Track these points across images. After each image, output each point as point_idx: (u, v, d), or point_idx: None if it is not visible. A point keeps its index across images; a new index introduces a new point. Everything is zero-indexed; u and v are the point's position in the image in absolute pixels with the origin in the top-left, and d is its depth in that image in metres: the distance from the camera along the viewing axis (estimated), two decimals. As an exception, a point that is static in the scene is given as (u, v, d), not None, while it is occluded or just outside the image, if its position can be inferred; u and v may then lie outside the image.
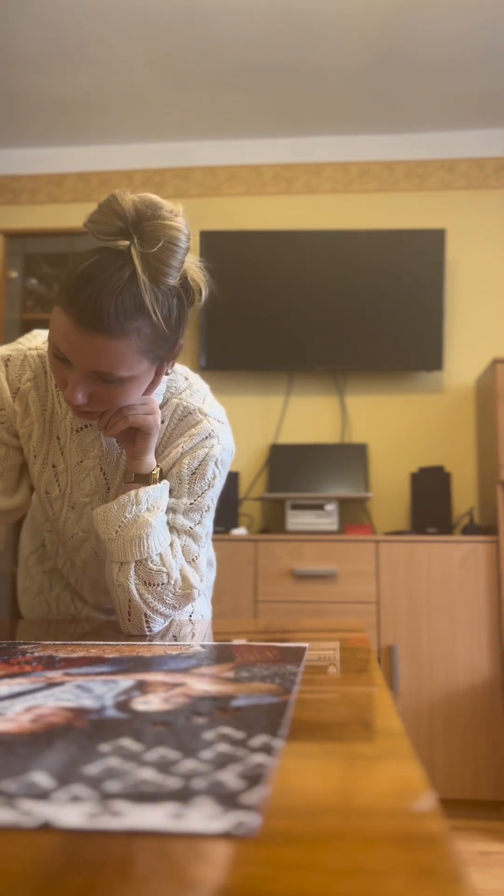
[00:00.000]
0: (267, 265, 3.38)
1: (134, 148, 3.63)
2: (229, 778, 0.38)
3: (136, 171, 3.63)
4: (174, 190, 3.58)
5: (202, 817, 0.32)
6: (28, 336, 1.19)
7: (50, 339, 0.98)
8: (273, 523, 3.32)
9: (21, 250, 3.67)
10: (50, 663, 0.74)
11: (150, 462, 1.10)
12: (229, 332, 3.36)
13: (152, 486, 1.08)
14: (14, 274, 3.64)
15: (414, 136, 3.51)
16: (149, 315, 0.94)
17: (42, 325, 3.19)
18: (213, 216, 3.52)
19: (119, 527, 1.06)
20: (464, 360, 3.39)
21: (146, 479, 1.09)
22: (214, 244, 3.35)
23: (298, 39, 2.87)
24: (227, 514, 3.05)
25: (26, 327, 3.53)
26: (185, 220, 0.95)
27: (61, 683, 0.63)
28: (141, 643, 0.93)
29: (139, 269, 0.92)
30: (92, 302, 0.91)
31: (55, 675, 0.67)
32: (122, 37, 2.86)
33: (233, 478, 3.13)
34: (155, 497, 1.08)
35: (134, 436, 1.08)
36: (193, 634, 1.05)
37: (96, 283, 0.91)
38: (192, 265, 1.00)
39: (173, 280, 0.95)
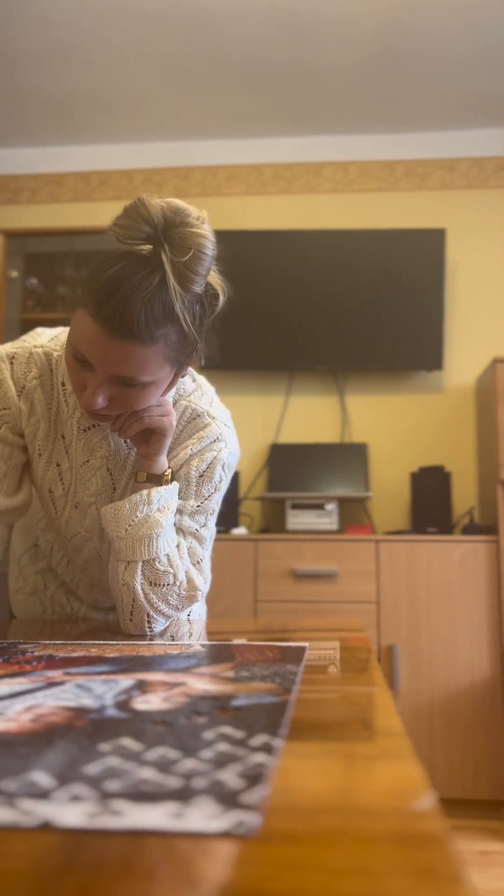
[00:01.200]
0: (267, 265, 3.38)
1: (134, 148, 3.63)
2: (229, 777, 0.38)
3: (136, 170, 3.63)
4: (174, 190, 3.58)
5: (202, 817, 0.32)
6: (32, 334, 1.19)
7: (71, 342, 0.97)
8: (273, 523, 3.32)
9: (21, 250, 3.66)
10: (50, 663, 0.74)
11: (163, 463, 1.10)
12: (229, 331, 3.36)
13: (164, 486, 1.09)
14: (14, 274, 3.64)
15: (414, 136, 3.51)
16: (177, 321, 0.94)
17: (42, 324, 3.18)
18: (213, 216, 3.48)
19: (129, 525, 1.06)
20: (464, 360, 3.39)
21: (158, 480, 1.09)
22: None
23: (298, 39, 2.87)
24: (227, 513, 3.05)
25: (26, 327, 3.53)
26: (210, 227, 0.95)
27: (61, 683, 0.63)
28: (141, 643, 0.93)
29: (170, 276, 0.91)
30: (121, 308, 0.90)
31: (55, 674, 0.67)
32: (123, 36, 2.86)
33: (233, 477, 3.13)
34: (166, 498, 1.08)
35: (148, 436, 1.08)
36: (191, 634, 1.05)
37: (125, 289, 0.90)
38: (212, 270, 1.00)
39: (199, 288, 0.95)
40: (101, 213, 3.59)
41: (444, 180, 3.49)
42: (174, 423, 1.08)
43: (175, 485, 1.10)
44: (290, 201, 3.55)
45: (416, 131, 3.49)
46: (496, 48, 2.91)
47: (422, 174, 3.50)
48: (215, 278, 1.01)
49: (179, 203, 0.93)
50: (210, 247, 0.94)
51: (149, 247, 0.91)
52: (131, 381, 0.97)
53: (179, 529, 1.12)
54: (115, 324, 0.91)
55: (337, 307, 3.36)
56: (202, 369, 3.35)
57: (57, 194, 3.66)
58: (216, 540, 2.70)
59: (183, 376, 1.09)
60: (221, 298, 1.02)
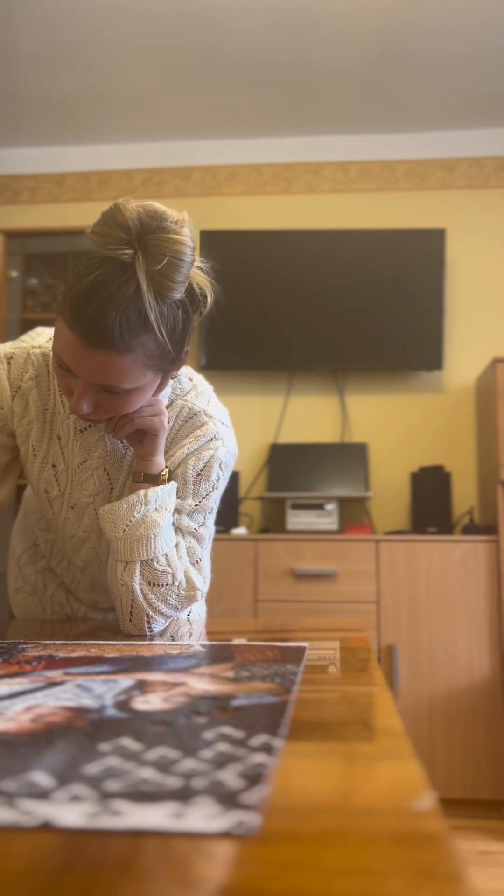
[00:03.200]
0: (267, 265, 3.38)
1: (134, 147, 3.63)
2: (229, 777, 0.38)
3: (136, 170, 3.63)
4: (174, 190, 3.58)
5: (202, 817, 0.32)
6: (31, 333, 1.19)
7: (54, 349, 0.97)
8: (273, 523, 3.32)
9: (21, 250, 3.67)
10: (50, 663, 0.74)
11: (160, 462, 1.10)
12: (229, 331, 3.36)
13: (161, 486, 1.08)
14: (14, 274, 3.64)
15: (414, 136, 3.51)
16: (153, 330, 0.93)
17: (42, 324, 3.19)
18: (213, 216, 3.52)
19: (127, 526, 1.06)
20: (464, 360, 3.39)
21: (155, 480, 1.09)
22: (214, 244, 3.35)
23: (299, 38, 2.87)
24: (227, 513, 3.05)
25: (26, 327, 3.53)
26: (190, 230, 0.93)
27: (61, 683, 0.63)
28: (141, 643, 0.93)
29: (144, 287, 0.90)
30: (96, 318, 0.89)
31: (55, 674, 0.67)
32: (123, 36, 2.86)
33: (233, 477, 3.13)
34: (163, 497, 1.08)
35: (142, 437, 1.08)
36: (191, 634, 1.05)
37: (100, 299, 0.89)
38: (197, 270, 0.98)
39: (178, 294, 0.93)
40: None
41: (444, 180, 3.49)
42: (165, 423, 1.07)
43: (173, 484, 1.10)
44: (290, 201, 3.55)
45: (416, 131, 3.49)
46: (497, 48, 2.91)
47: (422, 174, 3.50)
48: (202, 279, 1.00)
49: (157, 207, 0.92)
50: (188, 252, 0.92)
51: (129, 252, 0.90)
52: (113, 389, 0.96)
53: (178, 529, 1.12)
54: (90, 334, 0.90)
55: (337, 307, 3.36)
56: (202, 368, 3.35)
57: (57, 194, 3.66)
58: (216, 540, 2.70)
59: (174, 378, 1.08)
60: (209, 299, 1.01)
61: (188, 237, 0.92)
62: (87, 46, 2.92)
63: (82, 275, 0.91)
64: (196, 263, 0.97)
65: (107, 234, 0.91)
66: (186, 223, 0.93)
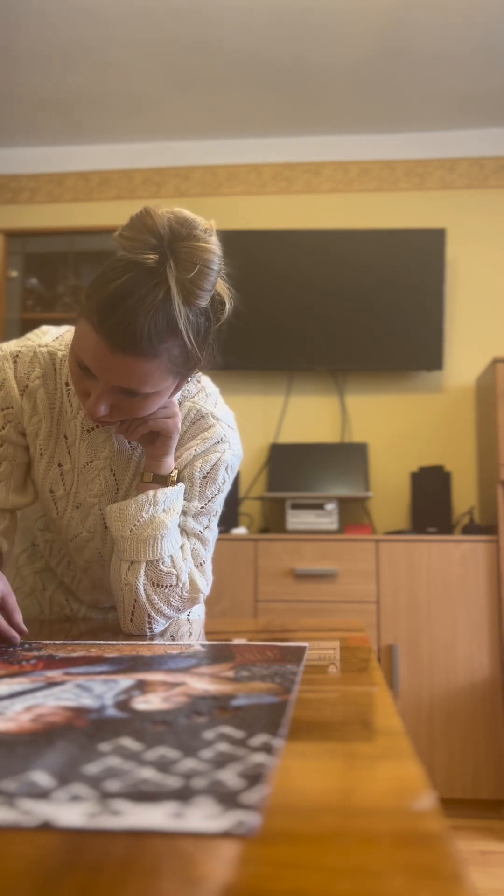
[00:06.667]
0: (267, 265, 3.38)
1: (134, 147, 3.63)
2: (229, 777, 0.38)
3: (136, 170, 3.63)
4: (174, 190, 3.58)
5: (202, 817, 0.32)
6: (37, 332, 1.18)
7: (74, 350, 0.97)
8: (273, 523, 3.32)
9: (21, 250, 3.67)
10: (50, 663, 0.74)
11: (170, 464, 1.10)
12: (229, 331, 3.35)
13: (170, 487, 1.08)
14: (14, 273, 3.64)
15: (414, 136, 3.51)
16: (181, 336, 0.93)
17: (41, 323, 3.19)
18: (212, 216, 3.48)
19: (134, 526, 1.06)
20: (464, 360, 3.39)
21: (164, 480, 1.09)
22: (214, 244, 3.35)
23: (298, 38, 2.87)
24: (227, 513, 3.05)
25: (26, 327, 3.53)
26: (216, 238, 0.94)
27: (61, 683, 0.63)
28: (141, 643, 0.93)
29: (174, 292, 0.90)
30: (125, 322, 0.89)
31: (55, 674, 0.67)
32: (123, 35, 2.86)
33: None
34: (172, 499, 1.08)
35: (154, 438, 1.08)
36: (191, 634, 1.05)
37: (129, 303, 0.89)
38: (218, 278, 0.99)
39: (205, 302, 0.94)
40: (101, 213, 3.59)
41: (444, 180, 3.49)
42: (179, 425, 1.08)
43: (181, 486, 1.10)
44: (290, 201, 3.55)
45: (416, 130, 3.49)
46: (497, 47, 2.91)
47: (422, 174, 3.50)
48: (222, 285, 1.00)
49: (186, 214, 0.92)
50: (216, 261, 0.93)
51: (154, 257, 0.90)
52: (133, 392, 0.96)
53: (183, 530, 1.12)
54: (118, 337, 0.90)
55: (337, 307, 3.36)
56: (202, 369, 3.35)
57: (57, 194, 3.66)
58: (216, 540, 2.70)
59: (188, 382, 1.09)
60: (228, 306, 1.02)
61: (216, 245, 0.93)
62: (87, 46, 2.92)
63: (109, 278, 0.91)
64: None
65: (136, 239, 0.90)
66: (214, 231, 0.94)
